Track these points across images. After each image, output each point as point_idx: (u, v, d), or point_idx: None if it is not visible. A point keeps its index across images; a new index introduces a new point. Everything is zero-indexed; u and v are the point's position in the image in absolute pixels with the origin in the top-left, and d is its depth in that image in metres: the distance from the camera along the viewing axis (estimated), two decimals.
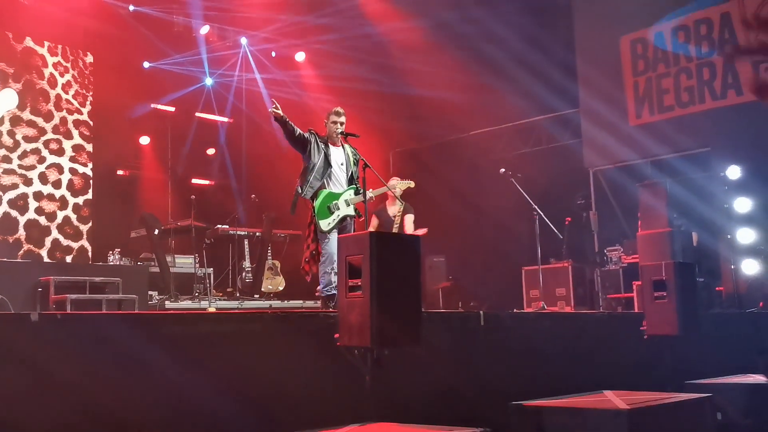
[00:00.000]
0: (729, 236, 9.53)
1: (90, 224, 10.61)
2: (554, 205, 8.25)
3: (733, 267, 9.42)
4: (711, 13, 10.25)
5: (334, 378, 4.09)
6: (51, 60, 10.46)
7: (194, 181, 12.22)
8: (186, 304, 8.83)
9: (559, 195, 10.86)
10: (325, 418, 3.73)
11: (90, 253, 10.51)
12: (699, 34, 10.37)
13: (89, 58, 10.97)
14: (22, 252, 9.76)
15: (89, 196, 10.70)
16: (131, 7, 11.09)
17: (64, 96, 10.55)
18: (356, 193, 6.45)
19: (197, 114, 12.40)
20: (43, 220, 10.10)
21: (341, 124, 6.49)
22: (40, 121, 10.24)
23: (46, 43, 10.43)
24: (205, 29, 11.98)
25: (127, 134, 11.29)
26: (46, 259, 9.88)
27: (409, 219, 8.20)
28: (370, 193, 6.45)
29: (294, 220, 10.66)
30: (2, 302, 6.50)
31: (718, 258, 9.53)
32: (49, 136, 10.32)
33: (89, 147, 10.79)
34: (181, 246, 10.02)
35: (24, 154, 10.02)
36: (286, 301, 9.79)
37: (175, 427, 3.47)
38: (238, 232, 10.29)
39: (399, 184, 7.40)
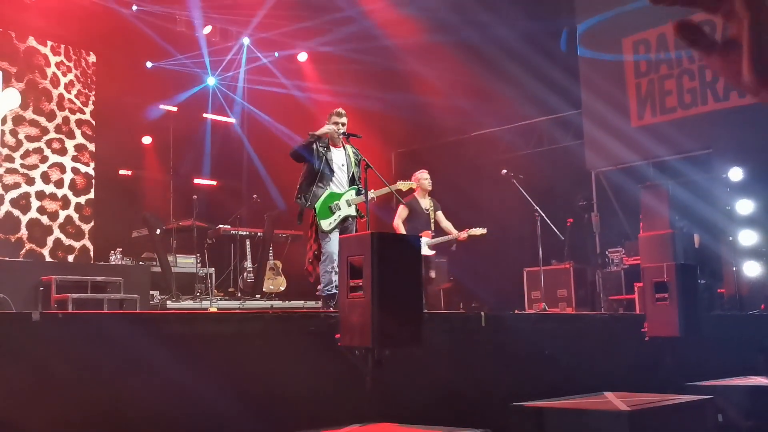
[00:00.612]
0: (731, 238, 9.53)
1: (92, 224, 10.62)
2: (556, 206, 8.26)
3: (734, 269, 9.42)
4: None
5: (335, 378, 4.10)
6: (54, 59, 10.47)
7: (196, 181, 12.22)
8: (187, 303, 8.83)
9: (561, 196, 10.85)
10: (326, 418, 3.73)
11: (92, 253, 10.52)
12: None
13: (92, 58, 10.99)
14: (24, 251, 9.78)
15: (91, 195, 10.71)
16: (134, 7, 11.11)
17: (66, 95, 10.56)
18: (357, 193, 6.46)
19: (199, 114, 12.41)
20: (45, 219, 10.11)
21: (343, 124, 6.51)
22: (42, 120, 10.25)
23: (49, 43, 10.45)
24: (207, 29, 12.00)
25: (129, 134, 11.29)
26: (48, 259, 9.89)
27: (441, 215, 8.42)
28: (371, 194, 6.46)
29: (295, 220, 10.69)
30: (4, 301, 6.51)
31: (719, 260, 9.52)
32: (52, 135, 10.34)
33: (91, 146, 10.80)
34: (182, 246, 10.02)
35: (26, 154, 10.03)
36: (287, 302, 9.79)
37: (176, 427, 3.47)
38: (240, 232, 10.30)
39: (401, 184, 7.40)
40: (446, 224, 8.42)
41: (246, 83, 12.91)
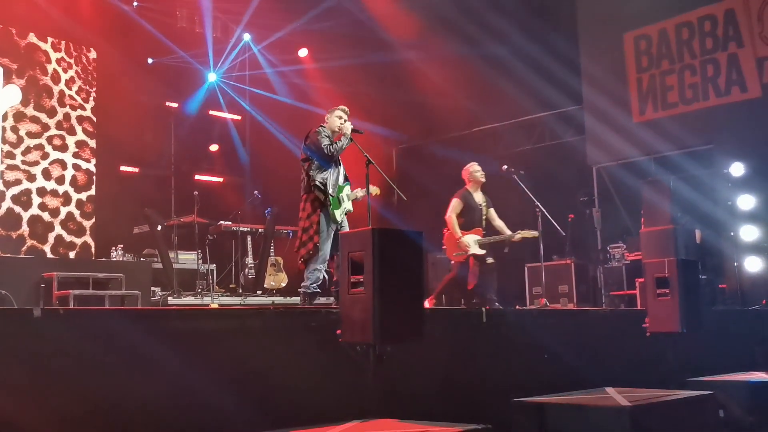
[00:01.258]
0: (732, 233, 9.52)
1: (93, 220, 10.63)
2: (557, 202, 8.25)
3: (736, 264, 9.42)
4: (715, 9, 10.22)
5: (336, 374, 4.10)
6: (54, 56, 10.46)
7: (197, 177, 12.22)
8: (189, 300, 8.84)
9: (562, 192, 10.84)
10: (328, 414, 3.73)
11: (93, 249, 10.52)
12: (703, 31, 10.35)
13: (93, 54, 10.98)
14: (25, 248, 9.78)
15: (92, 192, 10.71)
16: (135, 3, 11.10)
17: (67, 92, 10.56)
18: (352, 189, 6.62)
19: (201, 110, 12.39)
20: (46, 215, 10.11)
21: (345, 120, 6.54)
22: (43, 117, 10.25)
23: (50, 39, 10.44)
24: (208, 25, 11.97)
25: (130, 130, 11.28)
26: (49, 255, 9.89)
27: (494, 212, 8.27)
28: (359, 192, 6.53)
29: (297, 216, 10.68)
30: (5, 298, 6.52)
31: (721, 255, 9.52)
32: (53, 132, 10.33)
33: (92, 143, 10.80)
34: (183, 242, 10.02)
35: (27, 150, 10.03)
36: (288, 298, 9.79)
37: (178, 423, 3.48)
38: (241, 229, 10.30)
39: (373, 189, 7.29)
40: (499, 223, 8.19)
41: (247, 79, 12.90)
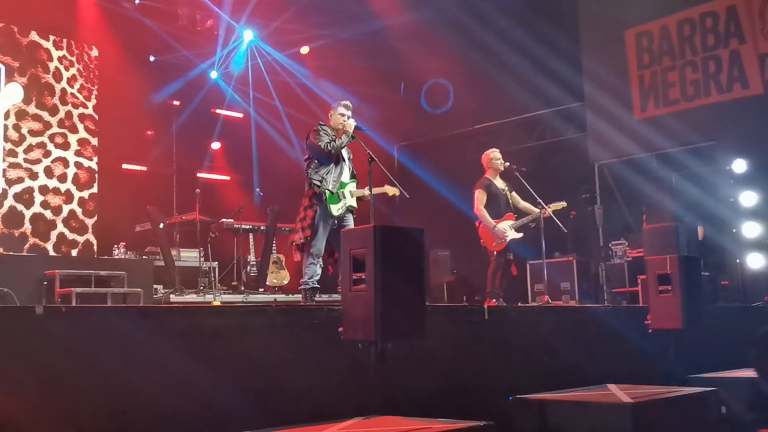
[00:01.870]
0: (734, 230, 9.52)
1: (95, 218, 10.64)
2: (559, 199, 8.23)
3: (738, 261, 9.41)
4: (717, 6, 10.21)
5: (339, 371, 4.10)
6: (56, 54, 10.47)
7: (199, 175, 12.23)
8: (191, 297, 8.85)
9: (564, 189, 10.82)
10: (330, 412, 3.74)
11: (95, 247, 10.54)
12: (705, 27, 10.33)
13: (94, 52, 10.98)
14: (27, 246, 9.79)
15: (94, 189, 10.72)
16: (137, 0, 11.09)
17: (69, 90, 10.56)
18: (357, 186, 6.61)
19: (202, 107, 12.39)
20: (48, 213, 10.13)
21: (348, 117, 6.54)
22: (45, 115, 10.26)
23: (51, 37, 10.44)
24: (210, 23, 11.97)
25: (132, 128, 11.29)
26: (51, 253, 9.91)
27: (516, 195, 8.25)
28: (367, 191, 6.52)
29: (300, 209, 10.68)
30: (8, 295, 6.53)
31: (723, 252, 9.52)
32: (55, 130, 10.34)
33: (94, 141, 10.81)
34: (185, 240, 10.03)
35: (29, 148, 10.04)
36: (290, 295, 9.80)
37: (180, 420, 3.48)
38: (243, 226, 10.30)
39: (388, 189, 7.22)
40: (524, 204, 8.17)
41: (249, 76, 12.88)
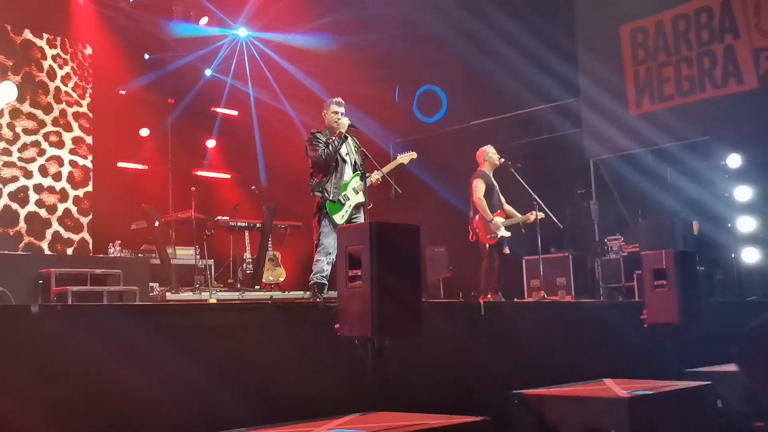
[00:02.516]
0: (729, 225, 9.54)
1: (90, 216, 10.61)
2: (555, 194, 8.25)
3: (733, 255, 9.44)
4: (711, 1, 10.22)
5: (336, 368, 4.10)
6: (50, 52, 10.43)
7: (195, 172, 12.22)
8: (187, 295, 8.84)
9: (560, 185, 10.85)
10: (327, 408, 3.74)
11: (91, 245, 10.51)
12: (699, 23, 10.34)
13: (88, 50, 10.94)
14: (22, 245, 9.77)
15: (89, 188, 10.69)
16: None
17: (63, 88, 10.53)
18: (361, 179, 6.40)
19: (197, 105, 12.37)
20: (43, 212, 10.10)
21: (342, 114, 6.49)
22: (39, 113, 10.22)
23: (45, 35, 10.40)
24: (204, 20, 11.94)
25: (126, 126, 11.27)
26: (46, 252, 9.88)
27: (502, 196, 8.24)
28: (377, 175, 6.47)
29: (294, 211, 10.69)
30: (3, 294, 6.51)
31: (718, 246, 9.54)
32: (49, 128, 10.31)
33: (89, 139, 10.77)
34: (181, 237, 10.02)
35: (24, 147, 10.01)
36: (287, 292, 9.80)
37: (177, 418, 3.48)
38: (239, 224, 10.29)
39: (401, 158, 7.12)
40: (509, 207, 8.21)
41: (246, 74, 12.86)
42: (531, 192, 8.06)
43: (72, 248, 10.31)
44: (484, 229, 7.98)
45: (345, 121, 6.41)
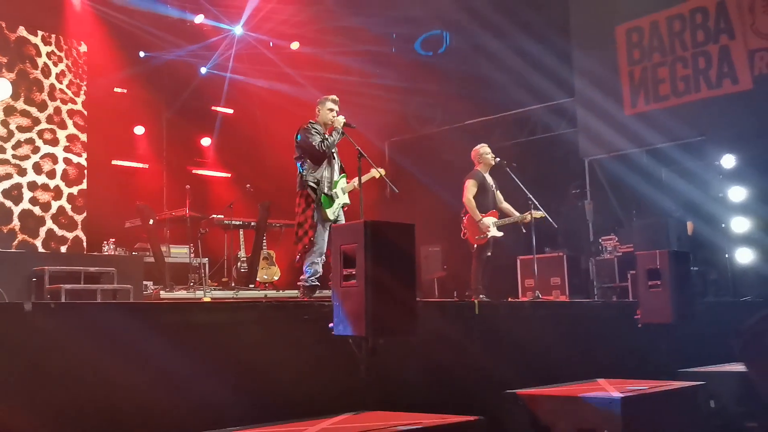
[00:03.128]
0: (724, 225, 9.57)
1: (84, 214, 10.58)
2: (549, 194, 8.25)
3: (727, 255, 9.47)
4: (707, 1, 10.24)
5: (329, 367, 4.10)
6: (44, 49, 10.39)
7: (189, 170, 12.19)
8: (181, 294, 8.82)
9: (555, 184, 10.87)
10: (321, 407, 3.74)
11: (85, 243, 10.48)
12: (694, 23, 10.36)
13: (83, 48, 10.91)
14: (16, 242, 9.73)
15: (84, 186, 10.66)
16: None
17: (58, 86, 10.49)
18: (346, 181, 6.50)
19: (192, 103, 12.34)
20: (37, 210, 10.07)
21: (337, 112, 6.49)
22: (33, 110, 10.18)
23: (40, 33, 10.37)
24: (199, 18, 11.91)
25: (121, 124, 11.24)
26: (40, 249, 9.85)
27: (500, 195, 8.25)
28: (354, 183, 6.47)
29: (290, 209, 10.66)
30: None
31: (712, 247, 9.57)
32: (43, 126, 10.27)
33: (83, 137, 10.74)
34: (175, 236, 10.00)
35: (18, 144, 9.97)
36: (281, 291, 9.79)
37: (170, 416, 3.47)
38: (233, 222, 10.28)
39: (374, 171, 7.06)
40: (506, 205, 8.20)
41: (242, 72, 12.83)
42: (526, 191, 8.07)
43: (66, 246, 10.28)
44: (473, 230, 7.99)
45: (341, 119, 6.41)
